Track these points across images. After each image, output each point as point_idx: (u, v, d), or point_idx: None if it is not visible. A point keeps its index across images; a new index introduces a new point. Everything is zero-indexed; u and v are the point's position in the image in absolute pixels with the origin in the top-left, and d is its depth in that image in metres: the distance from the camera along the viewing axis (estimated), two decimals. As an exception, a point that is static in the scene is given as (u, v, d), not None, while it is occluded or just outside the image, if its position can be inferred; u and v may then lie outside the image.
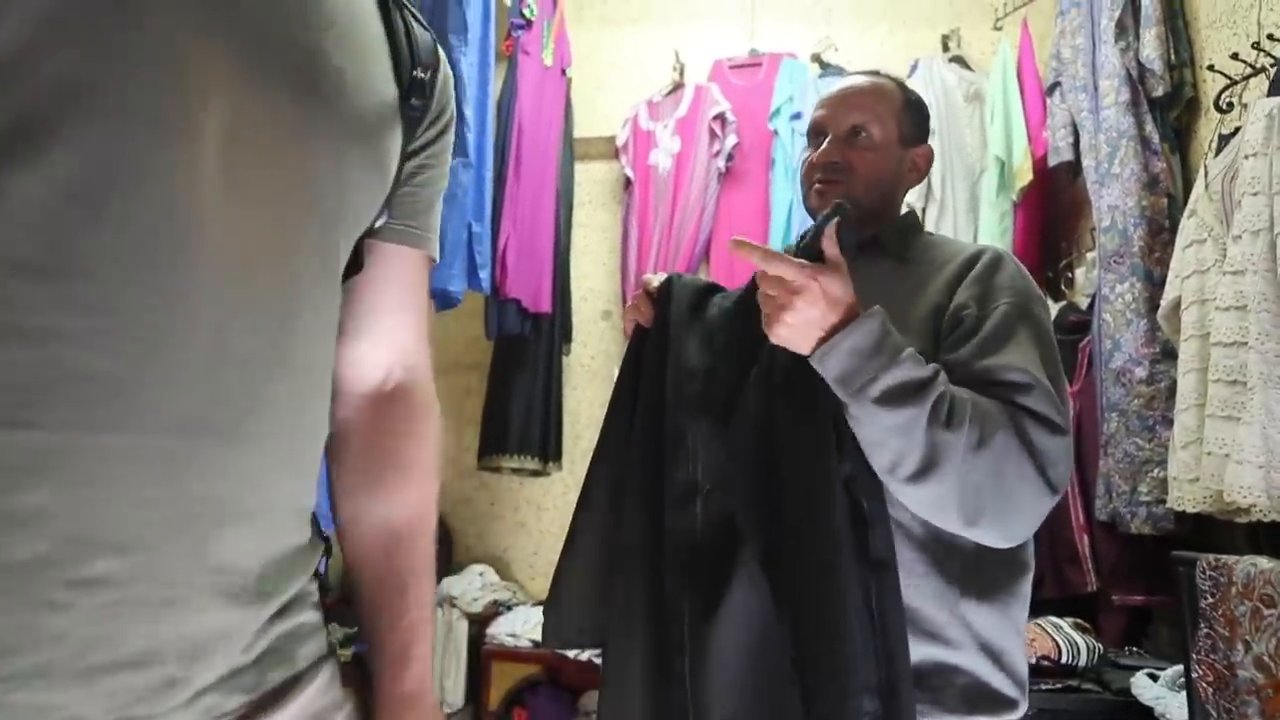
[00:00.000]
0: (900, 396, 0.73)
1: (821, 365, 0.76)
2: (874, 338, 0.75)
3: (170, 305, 0.39)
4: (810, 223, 0.93)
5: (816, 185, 0.96)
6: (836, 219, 0.78)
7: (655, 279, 0.98)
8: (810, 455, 0.78)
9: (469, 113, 2.04)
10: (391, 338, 0.59)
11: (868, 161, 0.95)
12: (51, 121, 0.36)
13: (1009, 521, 0.75)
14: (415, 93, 0.53)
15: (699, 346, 0.92)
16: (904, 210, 1.02)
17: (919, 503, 0.76)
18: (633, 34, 2.95)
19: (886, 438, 0.74)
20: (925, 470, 0.73)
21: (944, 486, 0.73)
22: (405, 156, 0.54)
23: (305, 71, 0.45)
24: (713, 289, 0.97)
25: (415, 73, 0.53)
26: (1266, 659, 0.93)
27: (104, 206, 0.37)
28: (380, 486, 0.59)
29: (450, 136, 0.60)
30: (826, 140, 0.97)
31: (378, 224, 0.55)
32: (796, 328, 0.76)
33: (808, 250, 0.79)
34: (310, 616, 0.51)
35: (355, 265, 0.54)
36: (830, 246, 0.78)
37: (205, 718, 0.42)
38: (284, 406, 0.46)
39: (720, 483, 0.84)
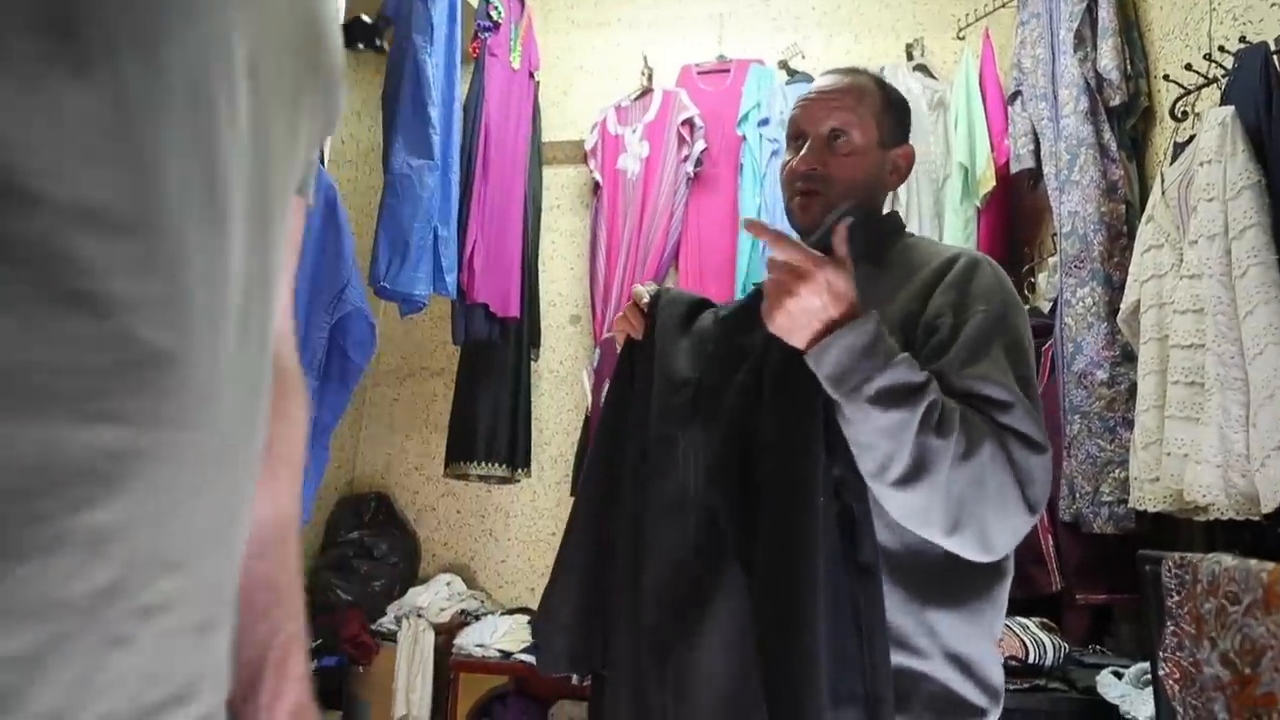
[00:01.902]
0: (893, 398, 0.73)
1: (817, 362, 0.75)
2: (869, 338, 0.74)
3: (218, 271, 0.33)
4: (789, 228, 0.93)
5: (797, 193, 0.94)
6: (850, 220, 0.78)
7: (645, 291, 0.97)
8: (792, 459, 0.77)
9: (434, 114, 2.01)
10: None
11: (847, 167, 0.92)
12: (112, 34, 0.29)
13: (986, 535, 0.75)
14: (350, 37, 0.47)
15: (690, 358, 0.91)
16: (885, 212, 1.00)
17: (902, 508, 0.76)
18: (601, 38, 2.94)
19: (877, 439, 0.74)
20: (913, 475, 0.73)
21: (930, 493, 0.73)
22: None
23: (316, 39, 0.42)
24: (704, 304, 0.96)
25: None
26: (1232, 656, 0.94)
27: (167, 145, 0.30)
28: None
29: None
30: (806, 144, 0.94)
31: None
32: (796, 316, 0.75)
33: (816, 246, 0.79)
34: None
35: None
36: (840, 245, 0.77)
37: None
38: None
39: (708, 491, 0.83)
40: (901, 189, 2.46)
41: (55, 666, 0.28)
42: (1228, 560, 1.03)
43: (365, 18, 0.46)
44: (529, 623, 2.31)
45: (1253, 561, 0.98)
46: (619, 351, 0.99)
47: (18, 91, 0.27)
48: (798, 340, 0.77)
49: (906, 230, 0.98)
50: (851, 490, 0.77)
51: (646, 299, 0.96)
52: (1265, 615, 0.90)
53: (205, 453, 0.33)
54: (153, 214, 0.30)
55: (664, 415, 0.88)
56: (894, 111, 0.97)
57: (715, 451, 0.83)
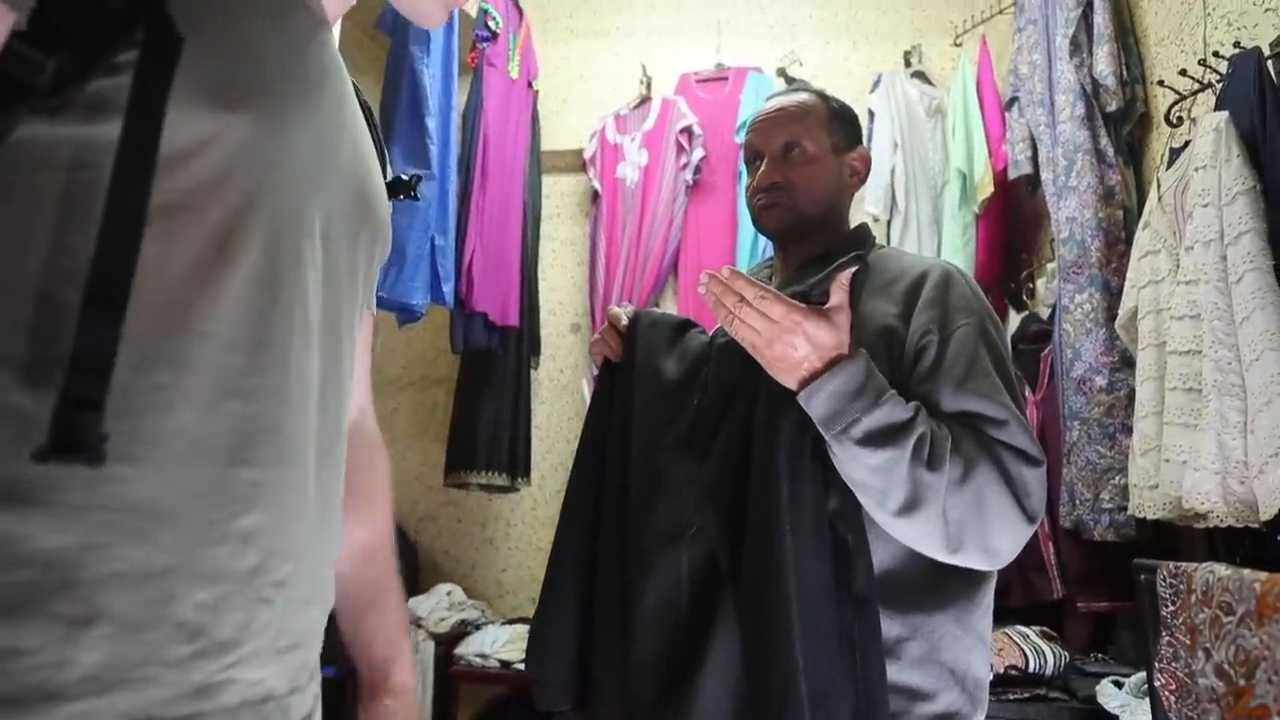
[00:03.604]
0: (881, 438, 0.75)
1: (806, 405, 0.78)
2: (857, 381, 0.76)
3: (307, 364, 0.51)
4: (767, 243, 0.93)
5: (760, 203, 0.98)
6: (855, 270, 0.80)
7: (623, 313, 0.98)
8: (766, 493, 0.78)
9: (431, 125, 2.02)
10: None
11: (805, 175, 0.97)
12: (246, 224, 0.47)
13: (990, 549, 0.77)
14: (392, 191, 0.67)
15: (680, 380, 0.91)
16: (857, 224, 1.02)
17: (904, 535, 0.78)
18: (600, 47, 2.95)
19: (869, 477, 0.76)
20: (909, 507, 0.75)
21: (928, 523, 0.76)
22: None
23: (364, 198, 0.59)
24: (688, 324, 0.97)
25: (387, 175, 0.66)
26: (1226, 667, 0.93)
27: (277, 292, 0.49)
28: (353, 512, 0.68)
29: None
30: (764, 162, 0.98)
31: None
32: (772, 364, 0.79)
33: (811, 291, 0.81)
34: None
35: None
36: (838, 294, 0.79)
37: (313, 692, 0.55)
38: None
39: (703, 522, 0.84)
40: (900, 195, 2.46)
41: (227, 611, 0.45)
42: (1221, 570, 1.02)
43: (403, 175, 0.67)
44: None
45: (1246, 571, 0.97)
46: (597, 374, 0.99)
47: (195, 270, 0.45)
48: (787, 383, 0.79)
49: (875, 241, 1.02)
50: (846, 522, 0.79)
51: (625, 321, 0.97)
52: (1259, 626, 0.89)
53: (305, 484, 0.51)
54: (270, 338, 0.48)
55: (657, 444, 0.88)
56: (840, 120, 1.01)
57: (709, 484, 0.84)
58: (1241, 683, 0.89)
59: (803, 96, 1.02)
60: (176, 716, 0.43)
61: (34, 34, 0.39)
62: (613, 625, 0.85)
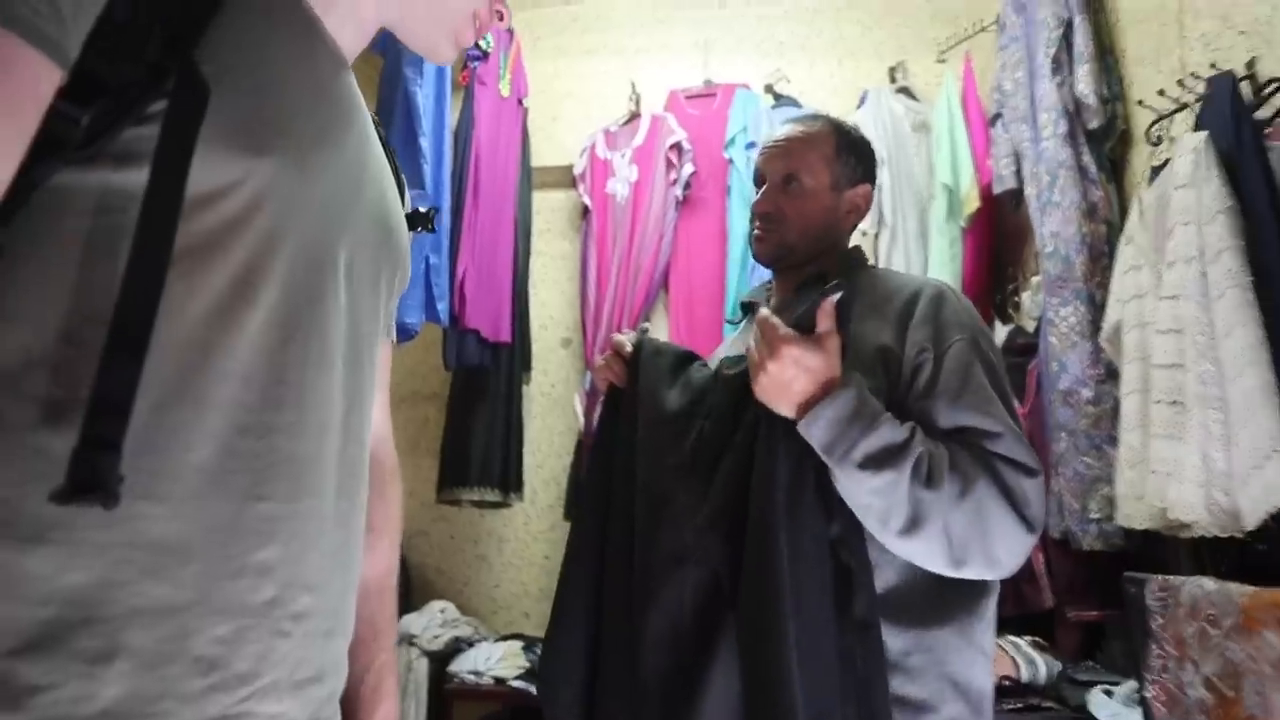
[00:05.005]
0: (880, 460, 0.77)
1: (806, 434, 0.79)
2: (851, 406, 0.78)
3: (327, 398, 0.52)
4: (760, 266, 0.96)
5: (755, 233, 1.01)
6: (837, 296, 0.83)
7: (627, 340, 1.00)
8: (762, 517, 0.79)
9: (425, 144, 2.03)
10: None
11: (798, 209, 0.99)
12: (268, 263, 0.48)
13: (993, 561, 0.79)
14: (410, 224, 0.68)
15: (684, 411, 0.93)
16: (851, 246, 1.05)
17: (908, 554, 0.80)
18: (589, 65, 2.98)
19: (872, 499, 0.78)
20: (911, 526, 0.77)
21: (931, 540, 0.77)
22: None
23: (387, 232, 0.60)
24: (691, 357, 0.99)
25: (405, 206, 0.67)
26: (1214, 679, 0.96)
27: (295, 328, 0.49)
28: None
29: None
30: (764, 188, 1.01)
31: None
32: (768, 389, 0.81)
33: (801, 321, 0.83)
34: None
35: None
36: (823, 321, 0.82)
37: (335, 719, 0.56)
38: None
39: (707, 546, 0.85)
40: (887, 210, 2.49)
41: (245, 645, 0.46)
42: (1208, 584, 1.04)
43: (420, 208, 0.71)
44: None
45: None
46: (602, 400, 1.00)
47: (217, 309, 0.46)
48: (784, 411, 0.81)
49: (869, 263, 1.05)
50: (849, 549, 0.80)
51: (628, 348, 0.98)
52: (1244, 640, 0.92)
53: (323, 515, 0.51)
54: (286, 374, 0.49)
55: (660, 469, 0.90)
56: (850, 154, 1.02)
57: (712, 510, 0.85)
58: (1230, 694, 0.91)
59: (816, 127, 1.03)
60: None
61: (72, 88, 0.39)
62: (619, 648, 0.86)
